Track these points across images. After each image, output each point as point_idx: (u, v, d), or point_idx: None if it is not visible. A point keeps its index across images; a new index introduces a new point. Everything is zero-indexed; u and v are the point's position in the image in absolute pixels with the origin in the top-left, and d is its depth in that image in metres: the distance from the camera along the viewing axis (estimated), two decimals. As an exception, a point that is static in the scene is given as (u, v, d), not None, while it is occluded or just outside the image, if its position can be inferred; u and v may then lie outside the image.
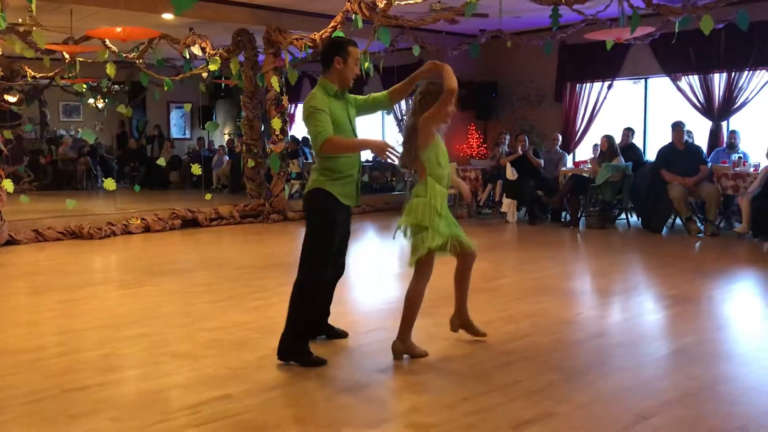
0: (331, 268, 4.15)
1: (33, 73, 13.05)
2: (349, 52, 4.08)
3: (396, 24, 8.87)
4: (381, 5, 8.33)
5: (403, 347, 4.09)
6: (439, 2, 9.11)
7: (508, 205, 10.68)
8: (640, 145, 11.29)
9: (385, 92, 4.43)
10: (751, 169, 9.17)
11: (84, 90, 14.39)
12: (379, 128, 15.59)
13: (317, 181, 4.03)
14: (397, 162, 4.08)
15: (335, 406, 3.40)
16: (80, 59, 11.67)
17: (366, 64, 9.86)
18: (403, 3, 8.16)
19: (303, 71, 13.69)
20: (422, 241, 3.96)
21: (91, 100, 16.07)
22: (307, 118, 3.96)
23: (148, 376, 3.86)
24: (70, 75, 11.94)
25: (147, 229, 9.87)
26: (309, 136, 4.01)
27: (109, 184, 9.51)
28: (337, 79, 4.09)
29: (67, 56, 11.29)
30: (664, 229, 9.60)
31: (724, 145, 10.25)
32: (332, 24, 9.54)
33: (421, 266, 4.06)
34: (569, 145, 12.59)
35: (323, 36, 9.78)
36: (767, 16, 9.59)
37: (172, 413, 3.32)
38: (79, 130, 15.71)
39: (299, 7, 10.98)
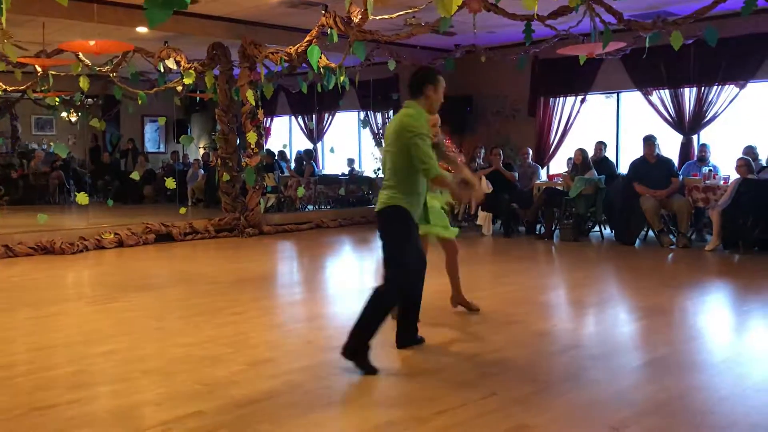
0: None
1: (4, 87, 12.89)
2: (439, 80, 4.31)
3: (371, 38, 8.90)
4: (356, 20, 8.37)
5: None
6: (413, 17, 9.17)
7: (483, 218, 10.74)
8: (612, 159, 11.43)
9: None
10: (721, 182, 9.32)
11: (57, 103, 14.25)
12: (355, 140, 15.63)
13: (394, 198, 4.20)
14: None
15: (309, 422, 3.38)
16: (53, 72, 11.56)
17: (341, 78, 9.90)
18: (378, 18, 8.19)
19: (279, 85, 13.68)
20: None
21: (63, 114, 15.93)
22: (412, 143, 4.07)
23: (120, 392, 3.81)
24: (43, 88, 11.82)
25: (120, 243, 9.76)
26: (414, 158, 4.08)
27: (82, 198, 9.39)
28: (426, 106, 4.27)
29: (39, 69, 11.18)
30: (637, 241, 9.71)
31: (695, 159, 10.42)
32: (308, 38, 9.56)
33: None
34: (543, 159, 12.71)
35: (299, 50, 9.80)
36: (735, 32, 9.78)
37: (144, 430, 3.27)
38: (52, 143, 15.56)
39: (274, 21, 11.00)
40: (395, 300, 4.24)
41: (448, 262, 5.42)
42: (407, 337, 4.58)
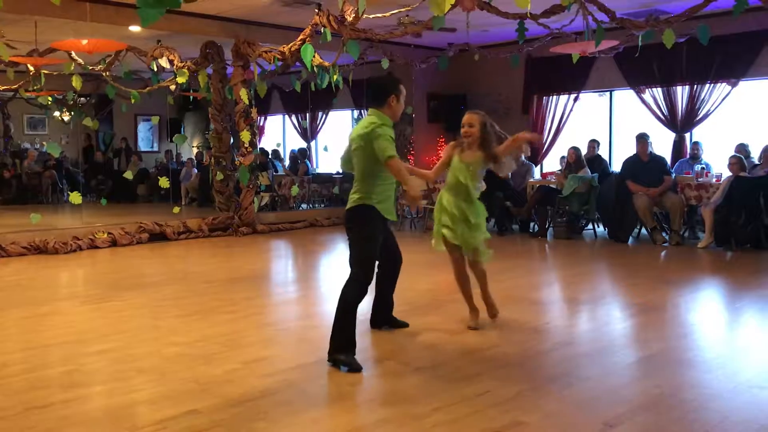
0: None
1: (-4, 86, 12.84)
2: (402, 91, 4.46)
3: (365, 37, 8.91)
4: (349, 18, 8.37)
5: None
6: (407, 16, 9.18)
7: (477, 216, 10.74)
8: (605, 157, 11.46)
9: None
10: (714, 180, 9.36)
11: (49, 103, 14.18)
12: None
13: (363, 198, 4.36)
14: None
15: (304, 420, 3.39)
16: (45, 71, 11.52)
17: (335, 77, 9.90)
18: (371, 16, 8.20)
19: (272, 83, 13.66)
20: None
21: (56, 113, 15.86)
22: (375, 138, 4.24)
23: (114, 391, 3.81)
24: (35, 87, 11.77)
25: (114, 243, 9.74)
26: (377, 151, 4.25)
27: (75, 197, 9.35)
28: (390, 115, 4.42)
29: (31, 68, 11.14)
30: (630, 239, 9.74)
31: (688, 156, 10.47)
32: (301, 37, 9.56)
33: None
34: (536, 157, 12.73)
35: (292, 49, 9.79)
36: (727, 31, 9.83)
37: (139, 429, 3.28)
38: (44, 143, 15.49)
39: (268, 20, 10.98)
40: (360, 297, 4.28)
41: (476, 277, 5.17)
42: (380, 319, 4.96)
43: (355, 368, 4.09)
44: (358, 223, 4.37)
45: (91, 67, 11.38)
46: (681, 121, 11.02)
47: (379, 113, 4.38)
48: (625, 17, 7.75)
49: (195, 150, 17.80)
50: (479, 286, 5.11)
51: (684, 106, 10.97)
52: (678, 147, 11.06)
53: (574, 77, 11.85)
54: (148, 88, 12.48)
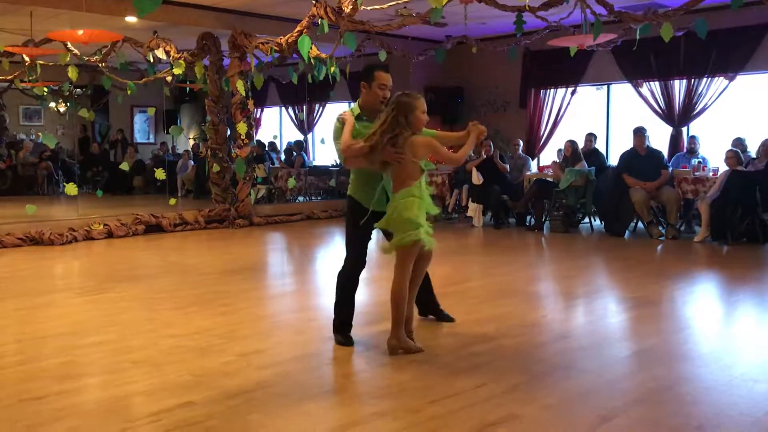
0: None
1: (-8, 76, 12.78)
2: (374, 77, 4.32)
3: (362, 29, 8.87)
4: (347, 10, 8.33)
5: (397, 343, 4.22)
6: (404, 8, 9.14)
7: (474, 209, 10.75)
8: (602, 150, 11.46)
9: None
10: (710, 174, 9.36)
11: (45, 93, 14.15)
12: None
13: (350, 189, 4.53)
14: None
15: (300, 413, 3.38)
16: (41, 62, 11.47)
17: (332, 69, 9.86)
18: (369, 8, 8.16)
19: (269, 75, 13.62)
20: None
21: (52, 104, 15.82)
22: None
23: (109, 383, 3.79)
24: (31, 78, 11.73)
25: (110, 234, 9.71)
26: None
27: (71, 189, 9.34)
28: (362, 103, 4.42)
29: (27, 59, 11.08)
30: (627, 232, 9.74)
31: (685, 150, 10.47)
32: (298, 28, 9.52)
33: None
34: (534, 151, 12.73)
35: (289, 40, 9.75)
36: (725, 25, 9.81)
37: (134, 421, 3.27)
38: (40, 134, 15.43)
39: (265, 11, 10.94)
40: (350, 278, 4.48)
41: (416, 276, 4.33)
42: (425, 310, 5.00)
43: (347, 344, 4.38)
44: (346, 211, 4.59)
45: (87, 58, 11.34)
46: (678, 115, 11.02)
47: (358, 101, 4.49)
48: (623, 10, 7.73)
49: (191, 142, 17.77)
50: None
51: (681, 100, 10.96)
52: (675, 141, 11.06)
53: (572, 70, 11.84)
54: (144, 80, 12.44)
